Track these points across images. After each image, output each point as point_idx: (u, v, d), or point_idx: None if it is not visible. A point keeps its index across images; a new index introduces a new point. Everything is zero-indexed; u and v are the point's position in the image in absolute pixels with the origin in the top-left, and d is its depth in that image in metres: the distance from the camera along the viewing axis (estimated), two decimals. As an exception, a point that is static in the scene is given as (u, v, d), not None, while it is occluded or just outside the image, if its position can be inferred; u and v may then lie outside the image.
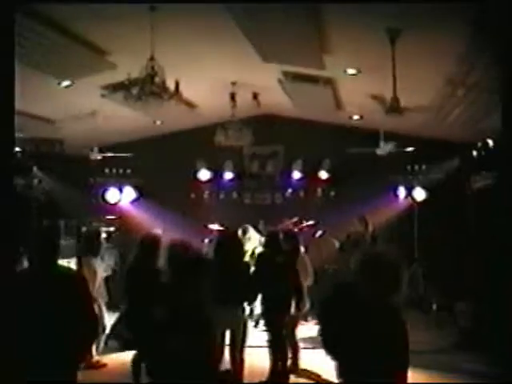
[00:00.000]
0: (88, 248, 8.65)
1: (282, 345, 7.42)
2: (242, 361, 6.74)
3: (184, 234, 10.01)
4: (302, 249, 8.85)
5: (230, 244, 6.97)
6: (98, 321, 5.49)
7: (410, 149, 11.63)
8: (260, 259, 7.72)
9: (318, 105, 11.36)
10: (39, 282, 4.45)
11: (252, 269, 7.38)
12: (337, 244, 11.30)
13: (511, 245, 8.73)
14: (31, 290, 4.34)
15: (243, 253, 7.34)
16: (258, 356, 7.78)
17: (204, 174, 14.02)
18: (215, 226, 12.23)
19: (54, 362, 4.29)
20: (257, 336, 8.88)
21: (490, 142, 10.38)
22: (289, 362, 7.70)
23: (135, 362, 6.65)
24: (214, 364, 4.55)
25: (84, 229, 12.14)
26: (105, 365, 8.35)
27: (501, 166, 6.80)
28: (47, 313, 4.28)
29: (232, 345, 6.69)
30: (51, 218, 12.39)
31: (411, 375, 3.79)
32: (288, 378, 7.54)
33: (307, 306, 8.31)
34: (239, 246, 7.17)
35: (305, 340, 8.61)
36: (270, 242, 7.52)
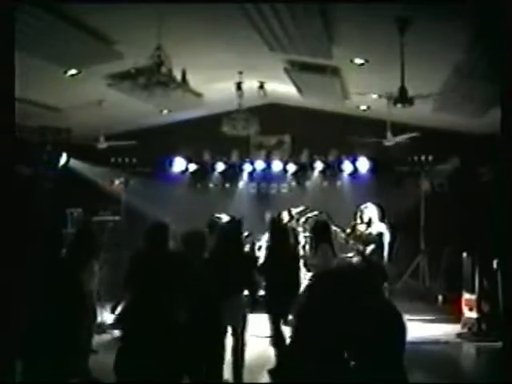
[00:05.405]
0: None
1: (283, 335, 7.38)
2: (243, 344, 6.79)
3: (190, 224, 10.04)
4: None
5: (231, 235, 6.98)
6: None
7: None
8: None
9: (325, 94, 11.30)
10: None
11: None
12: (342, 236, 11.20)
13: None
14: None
15: (242, 243, 7.28)
16: (265, 345, 7.77)
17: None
18: (223, 216, 12.15)
19: None
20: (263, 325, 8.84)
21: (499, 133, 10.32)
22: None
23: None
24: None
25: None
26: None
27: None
28: None
29: (234, 336, 6.72)
30: (58, 207, 12.36)
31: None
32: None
33: None
34: (239, 236, 7.15)
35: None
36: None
